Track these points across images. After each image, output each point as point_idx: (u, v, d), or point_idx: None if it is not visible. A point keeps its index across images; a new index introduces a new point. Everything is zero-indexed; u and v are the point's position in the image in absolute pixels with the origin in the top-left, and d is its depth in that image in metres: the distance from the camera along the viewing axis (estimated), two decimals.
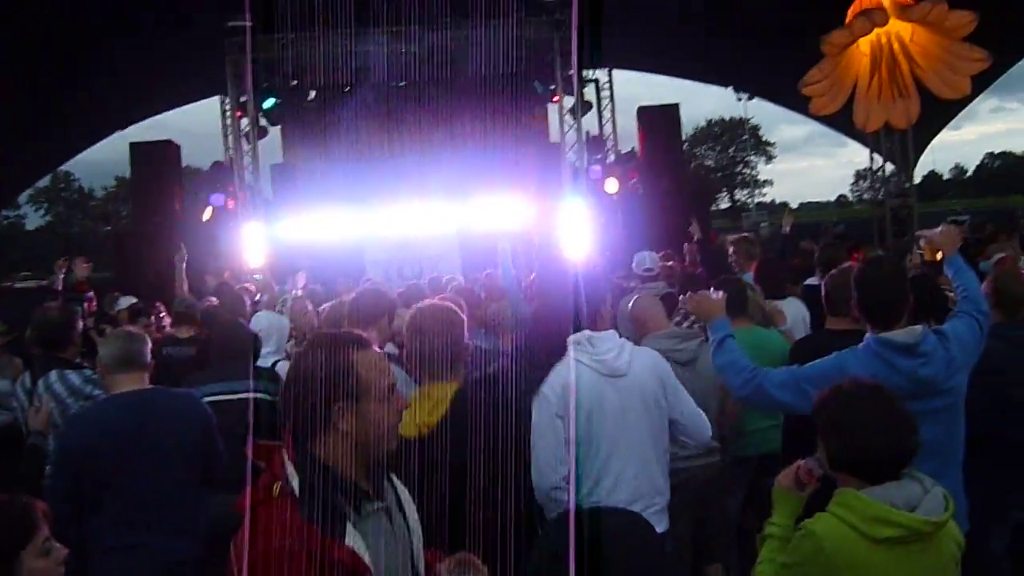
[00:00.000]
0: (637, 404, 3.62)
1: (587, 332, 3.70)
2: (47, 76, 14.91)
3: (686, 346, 4.67)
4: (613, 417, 3.56)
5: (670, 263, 8.81)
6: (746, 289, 5.25)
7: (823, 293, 4.34)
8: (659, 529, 3.43)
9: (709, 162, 67.70)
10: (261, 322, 5.80)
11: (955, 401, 3.31)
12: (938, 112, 15.77)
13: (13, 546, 2.20)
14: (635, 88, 23.43)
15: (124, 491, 3.50)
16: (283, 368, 5.11)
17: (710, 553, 4.71)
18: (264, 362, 5.47)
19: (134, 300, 8.79)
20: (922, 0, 8.29)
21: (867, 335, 3.40)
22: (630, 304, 5.06)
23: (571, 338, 3.68)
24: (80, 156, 24.40)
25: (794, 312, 5.82)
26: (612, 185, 15.35)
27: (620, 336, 3.83)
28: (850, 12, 8.76)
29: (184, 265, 7.62)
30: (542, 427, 3.50)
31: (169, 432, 3.63)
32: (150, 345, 3.90)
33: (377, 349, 2.14)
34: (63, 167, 42.27)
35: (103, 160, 30.52)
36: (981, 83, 12.34)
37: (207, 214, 14.76)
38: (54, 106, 16.21)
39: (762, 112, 68.73)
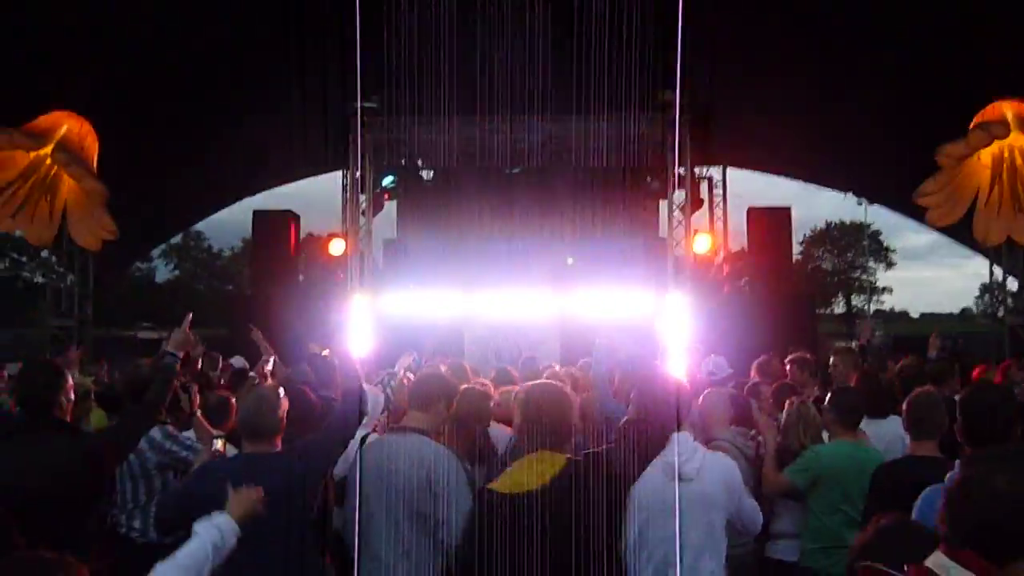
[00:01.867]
0: (698, 509, 3.63)
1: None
2: (186, 140, 15.85)
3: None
4: (674, 520, 3.56)
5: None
6: (860, 405, 5.11)
7: (904, 414, 4.17)
8: None
9: (826, 265, 66.23)
10: None
11: None
12: None
13: None
14: (750, 186, 23.32)
15: None
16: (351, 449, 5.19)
17: None
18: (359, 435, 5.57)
19: (242, 362, 8.95)
20: None
21: (957, 462, 3.26)
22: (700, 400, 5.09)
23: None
24: (212, 217, 25.74)
25: (892, 432, 5.59)
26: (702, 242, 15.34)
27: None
28: (972, 124, 8.61)
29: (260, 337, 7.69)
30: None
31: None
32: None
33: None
34: (196, 227, 44.23)
35: (231, 222, 32.07)
36: None
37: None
38: (192, 168, 17.17)
39: (882, 219, 67.07)
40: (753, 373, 7.76)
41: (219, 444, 4.53)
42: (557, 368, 8.94)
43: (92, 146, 9.40)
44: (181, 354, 4.20)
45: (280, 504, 3.56)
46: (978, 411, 3.25)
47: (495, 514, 3.18)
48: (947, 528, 2.19)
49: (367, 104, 14.37)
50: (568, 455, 3.39)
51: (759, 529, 3.95)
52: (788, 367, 7.25)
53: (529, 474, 3.27)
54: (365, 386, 6.44)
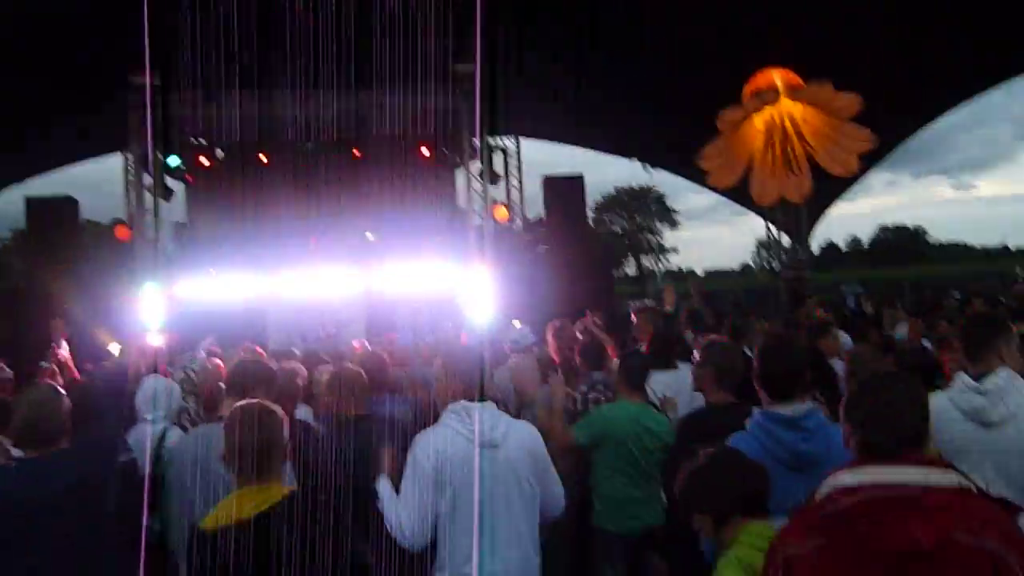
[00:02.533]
0: (509, 477, 3.67)
1: (463, 401, 3.74)
2: None
3: None
4: (486, 488, 3.57)
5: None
6: (647, 366, 5.32)
7: (701, 363, 4.38)
8: None
9: (617, 228, 68.89)
10: (147, 388, 5.59)
11: None
12: (832, 185, 16.48)
13: None
14: (544, 156, 23.87)
15: None
16: (173, 435, 4.95)
17: None
18: (154, 429, 5.29)
19: None
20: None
21: (755, 409, 3.49)
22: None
23: (449, 407, 3.74)
24: None
25: (683, 380, 5.88)
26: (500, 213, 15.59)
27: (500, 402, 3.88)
28: (745, 91, 9.12)
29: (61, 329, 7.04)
30: (409, 490, 3.56)
31: None
32: None
33: None
34: None
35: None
36: (872, 158, 12.94)
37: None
38: None
39: (667, 183, 70.51)
40: (548, 338, 8.03)
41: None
42: (366, 344, 8.92)
43: None
44: None
45: (73, 504, 3.43)
46: (775, 359, 3.49)
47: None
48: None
49: (148, 81, 13.60)
50: (286, 488, 3.20)
51: (559, 511, 4.01)
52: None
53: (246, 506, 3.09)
54: (153, 377, 6.17)
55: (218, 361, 6.54)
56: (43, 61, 13.67)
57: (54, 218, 15.54)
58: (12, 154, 17.38)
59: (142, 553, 3.41)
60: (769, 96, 8.53)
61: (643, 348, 6.40)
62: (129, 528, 3.64)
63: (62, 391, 3.81)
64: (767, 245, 23.18)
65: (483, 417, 3.67)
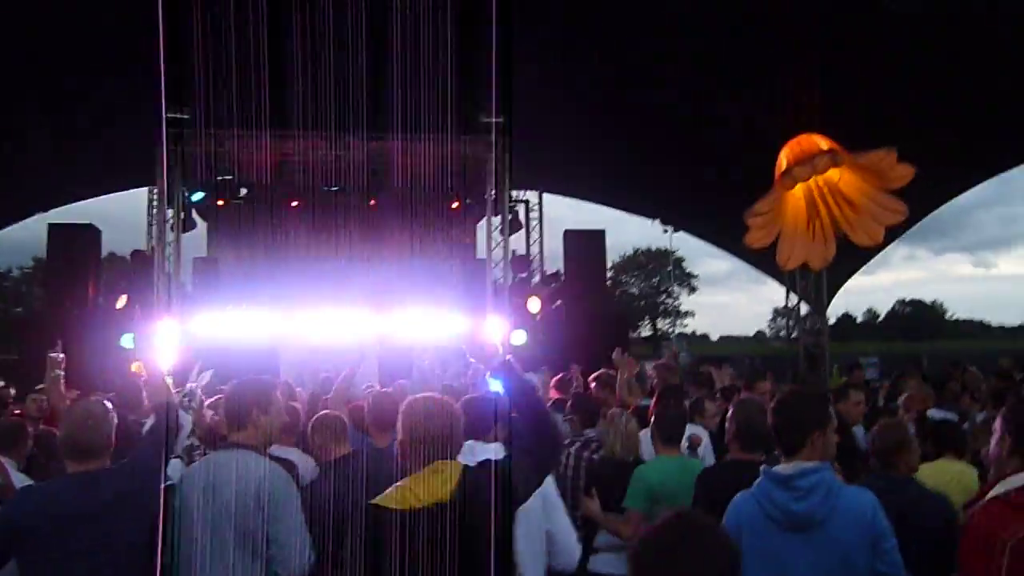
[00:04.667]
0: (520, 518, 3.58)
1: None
2: None
3: None
4: None
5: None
6: (683, 420, 5.33)
7: (730, 422, 4.36)
8: None
9: (633, 290, 68.99)
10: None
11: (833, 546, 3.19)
12: (851, 256, 16.43)
13: None
14: (564, 211, 23.96)
15: None
16: (174, 467, 4.91)
17: None
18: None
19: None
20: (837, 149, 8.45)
21: (763, 467, 3.42)
22: None
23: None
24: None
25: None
26: (534, 304, 15.47)
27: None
28: (789, 154, 8.70)
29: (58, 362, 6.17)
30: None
31: None
32: None
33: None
34: None
35: (22, 240, 29.88)
36: (895, 231, 12.91)
37: (121, 302, 14.43)
38: None
39: (686, 245, 70.87)
40: (552, 391, 8.08)
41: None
42: (376, 387, 8.87)
43: None
44: None
45: (114, 522, 3.52)
46: (784, 411, 3.42)
47: (391, 530, 3.00)
48: None
49: (177, 115, 13.80)
50: (465, 463, 3.21)
51: (573, 565, 3.96)
52: (592, 384, 7.52)
53: (428, 486, 3.11)
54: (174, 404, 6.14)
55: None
56: (72, 92, 13.87)
57: (75, 245, 15.66)
58: (36, 181, 17.57)
59: None
60: (821, 162, 8.18)
61: (652, 403, 6.38)
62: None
63: (110, 406, 3.88)
64: (784, 312, 23.09)
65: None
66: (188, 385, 6.49)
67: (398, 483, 3.15)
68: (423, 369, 6.23)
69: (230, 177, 15.34)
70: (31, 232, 23.03)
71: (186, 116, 13.24)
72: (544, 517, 3.81)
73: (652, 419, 5.32)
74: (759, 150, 9.47)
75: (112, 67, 12.47)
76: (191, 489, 3.80)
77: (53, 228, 16.03)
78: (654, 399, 6.43)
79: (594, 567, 5.04)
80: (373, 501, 3.07)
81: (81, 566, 3.45)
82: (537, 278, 17.61)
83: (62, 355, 5.72)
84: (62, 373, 5.77)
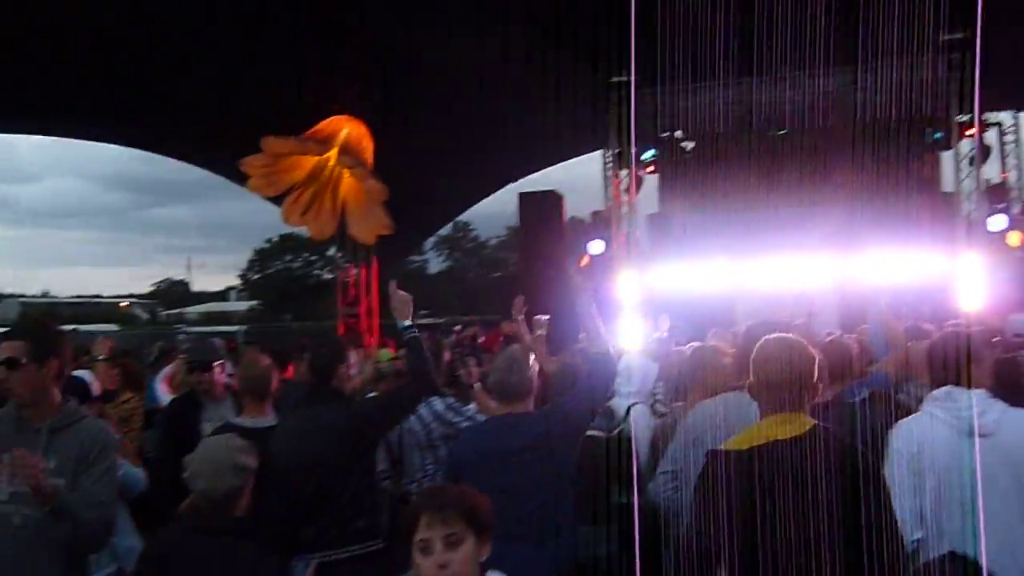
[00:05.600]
0: (1002, 468, 3.30)
1: (949, 387, 3.50)
2: (451, 135, 16.52)
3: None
4: (973, 479, 3.23)
5: None
6: None
7: None
8: None
9: None
10: (626, 362, 5.87)
11: None
12: None
13: None
14: None
15: None
16: (637, 412, 5.16)
17: None
18: (622, 402, 5.56)
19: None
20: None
21: None
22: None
23: (932, 393, 3.56)
24: (475, 208, 26.72)
25: None
26: (1015, 238, 13.73)
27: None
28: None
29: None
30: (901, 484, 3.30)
31: None
32: None
33: None
34: (462, 217, 46.05)
35: (496, 212, 33.30)
36: None
37: (584, 261, 15.35)
38: (458, 159, 17.88)
39: None
40: None
41: None
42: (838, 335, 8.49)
43: (368, 147, 10.28)
44: (409, 322, 4.34)
45: (533, 463, 3.76)
46: None
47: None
48: None
49: (621, 78, 14.33)
50: (815, 421, 2.94)
51: None
52: None
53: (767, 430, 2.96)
54: (633, 357, 6.39)
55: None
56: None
57: (543, 211, 16.91)
58: (505, 155, 19.29)
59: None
60: (323, 149, 8.24)
61: None
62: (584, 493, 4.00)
63: (530, 353, 4.22)
64: None
65: (972, 403, 3.38)
66: (653, 335, 6.75)
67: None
68: (882, 312, 5.74)
69: (677, 133, 15.57)
70: (500, 203, 25.56)
71: (624, 78, 13.77)
72: None
73: None
74: None
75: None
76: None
77: (524, 196, 17.43)
78: None
79: None
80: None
81: (503, 501, 3.67)
82: (1017, 209, 15.59)
83: (547, 316, 6.04)
84: (544, 332, 6.19)
